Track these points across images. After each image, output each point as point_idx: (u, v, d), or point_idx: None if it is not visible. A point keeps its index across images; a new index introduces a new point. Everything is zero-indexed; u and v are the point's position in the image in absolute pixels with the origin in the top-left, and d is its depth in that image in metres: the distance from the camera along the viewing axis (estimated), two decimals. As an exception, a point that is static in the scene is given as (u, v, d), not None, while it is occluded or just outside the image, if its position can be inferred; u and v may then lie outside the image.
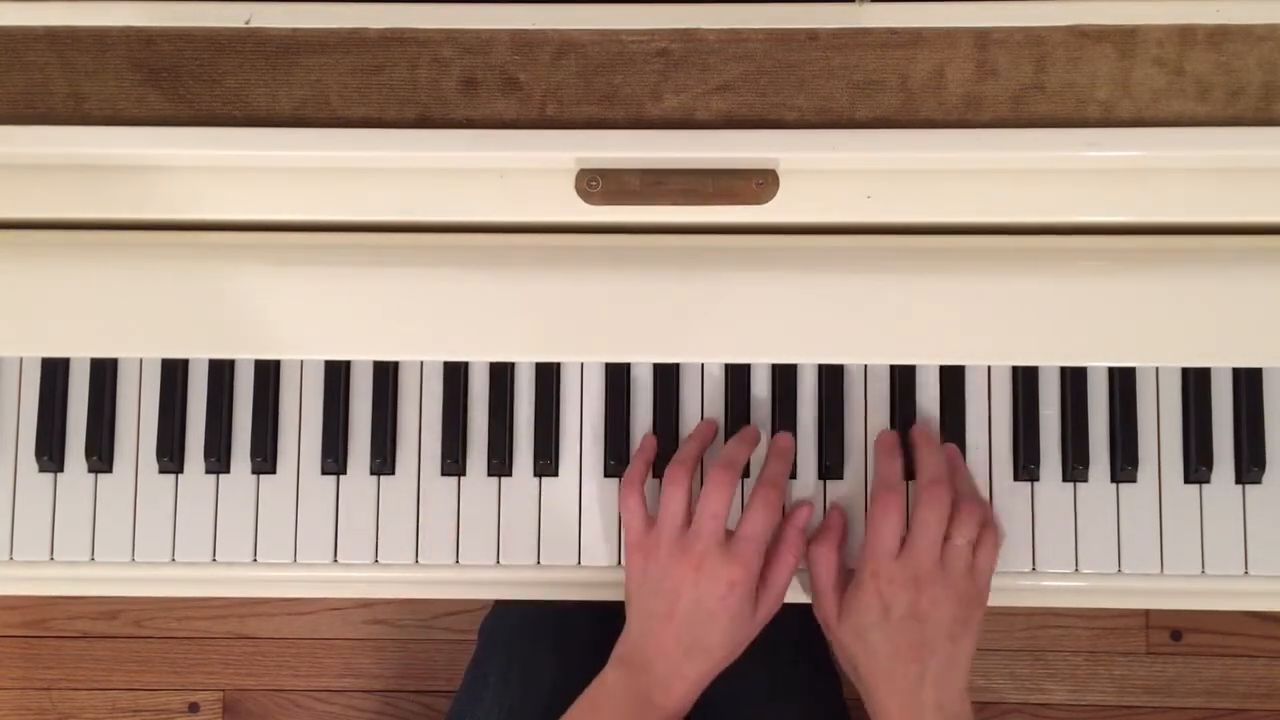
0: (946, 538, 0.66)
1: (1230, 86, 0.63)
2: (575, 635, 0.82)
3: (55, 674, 1.41)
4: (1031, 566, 0.70)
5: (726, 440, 0.70)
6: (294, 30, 0.65)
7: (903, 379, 0.71)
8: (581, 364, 0.72)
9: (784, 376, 0.71)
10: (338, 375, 0.72)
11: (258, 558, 0.71)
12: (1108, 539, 0.70)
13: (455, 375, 0.72)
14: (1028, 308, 0.66)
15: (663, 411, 0.71)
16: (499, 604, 0.91)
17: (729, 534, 0.66)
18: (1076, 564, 0.70)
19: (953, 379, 0.71)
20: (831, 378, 0.71)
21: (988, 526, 0.68)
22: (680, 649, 0.65)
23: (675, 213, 0.66)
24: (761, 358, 0.70)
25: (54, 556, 0.72)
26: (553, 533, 0.71)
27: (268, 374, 0.72)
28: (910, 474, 0.70)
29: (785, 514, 0.69)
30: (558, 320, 0.67)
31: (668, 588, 0.65)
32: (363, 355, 0.70)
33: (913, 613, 0.64)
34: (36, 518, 0.72)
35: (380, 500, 0.71)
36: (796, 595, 0.71)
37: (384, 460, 0.71)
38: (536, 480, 0.71)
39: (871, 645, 0.64)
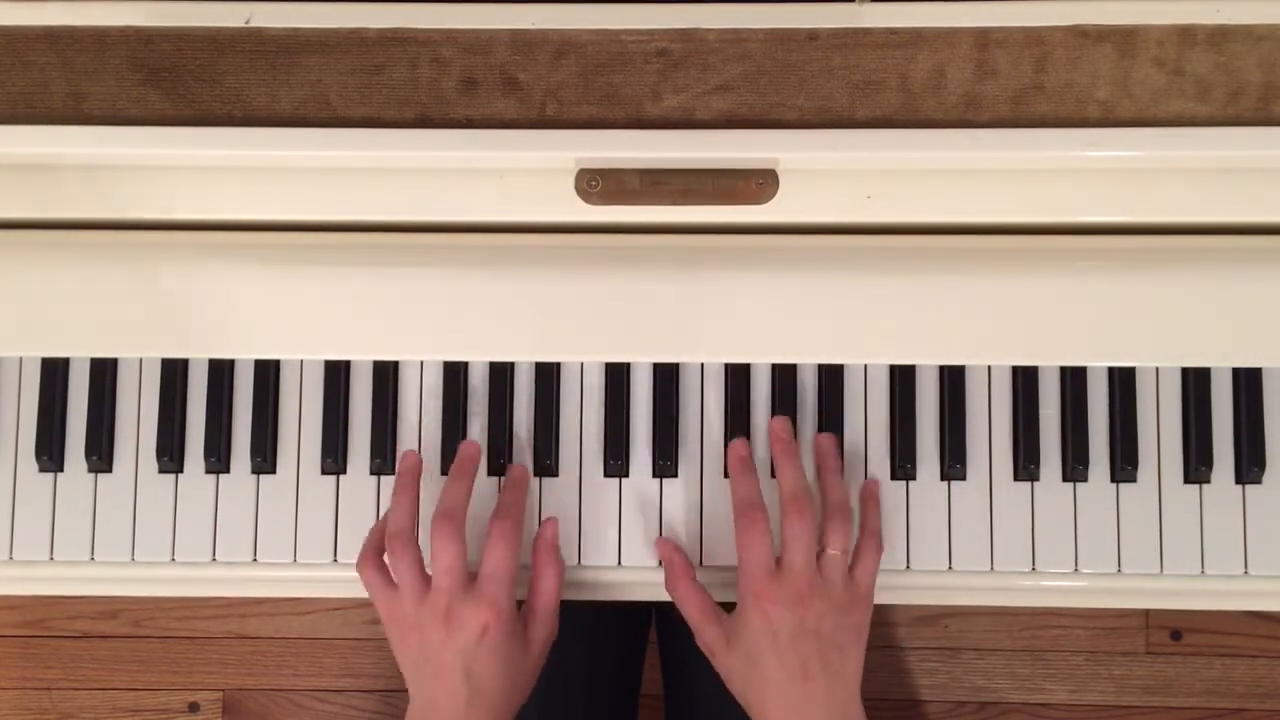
0: (821, 549, 0.66)
1: (1230, 86, 0.63)
2: (565, 632, 0.82)
3: (55, 674, 1.41)
4: (1031, 566, 0.70)
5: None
6: (294, 30, 0.65)
7: (903, 379, 0.71)
8: (581, 364, 0.72)
9: (784, 376, 0.71)
10: (338, 375, 0.72)
11: (258, 558, 0.71)
12: (1108, 539, 0.70)
13: (455, 375, 0.72)
14: (1028, 308, 0.66)
15: (663, 411, 0.71)
16: None
17: (475, 578, 0.66)
18: (1076, 564, 0.70)
19: (953, 379, 0.71)
20: (831, 378, 0.71)
21: (870, 535, 0.68)
22: (459, 702, 0.64)
23: (675, 213, 0.66)
24: (761, 358, 0.70)
25: (54, 556, 0.72)
26: (553, 533, 0.71)
27: (268, 374, 0.72)
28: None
29: (536, 533, 0.69)
30: (558, 320, 0.67)
31: (428, 650, 0.65)
32: (363, 355, 0.70)
33: (800, 630, 0.63)
34: (36, 518, 0.72)
35: (380, 500, 0.71)
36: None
37: (384, 460, 0.71)
38: (537, 480, 0.71)
39: (764, 670, 0.64)
